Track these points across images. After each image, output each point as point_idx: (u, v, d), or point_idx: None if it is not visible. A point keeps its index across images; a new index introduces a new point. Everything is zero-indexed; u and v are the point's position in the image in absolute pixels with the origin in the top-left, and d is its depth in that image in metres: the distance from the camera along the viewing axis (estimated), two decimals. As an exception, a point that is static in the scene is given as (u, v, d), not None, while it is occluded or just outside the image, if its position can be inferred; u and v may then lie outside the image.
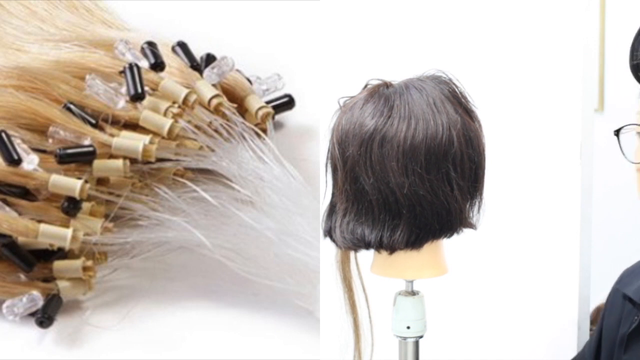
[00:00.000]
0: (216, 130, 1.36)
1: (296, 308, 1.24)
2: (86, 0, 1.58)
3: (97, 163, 1.33)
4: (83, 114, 1.36)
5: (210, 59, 1.46)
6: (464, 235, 1.16)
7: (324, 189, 1.24)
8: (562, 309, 1.76)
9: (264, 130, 1.39)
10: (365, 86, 1.19)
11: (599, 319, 1.42)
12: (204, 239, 1.27)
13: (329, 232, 1.21)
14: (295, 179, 1.30)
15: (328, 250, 1.25)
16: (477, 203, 1.16)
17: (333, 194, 1.20)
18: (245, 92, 1.45)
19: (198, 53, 1.47)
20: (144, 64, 1.40)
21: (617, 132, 1.21)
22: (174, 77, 1.41)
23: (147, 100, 1.37)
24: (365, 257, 1.23)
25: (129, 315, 1.30)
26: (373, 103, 1.14)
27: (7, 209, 1.30)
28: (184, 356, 1.26)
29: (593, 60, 1.79)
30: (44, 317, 1.27)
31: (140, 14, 1.58)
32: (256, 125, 1.40)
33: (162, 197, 1.33)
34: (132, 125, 1.37)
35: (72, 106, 1.36)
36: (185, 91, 1.38)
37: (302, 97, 1.51)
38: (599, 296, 2.12)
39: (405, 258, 1.16)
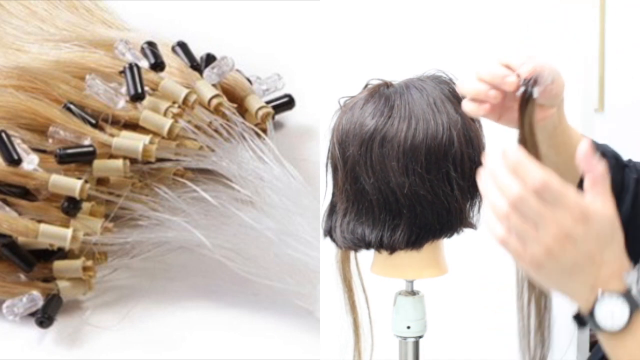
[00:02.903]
0: (216, 130, 1.36)
1: (296, 308, 1.24)
2: (86, 0, 1.58)
3: (97, 163, 1.33)
4: (83, 114, 1.36)
5: (210, 59, 1.46)
6: (464, 235, 1.16)
7: (324, 189, 1.24)
8: (562, 309, 1.76)
9: (264, 130, 1.39)
10: (366, 86, 1.19)
11: None
12: (204, 239, 1.27)
13: (329, 232, 1.21)
14: (295, 179, 1.30)
15: (328, 250, 1.25)
16: (477, 203, 1.16)
17: (333, 194, 1.20)
18: (245, 92, 1.45)
19: (198, 53, 1.47)
20: (144, 64, 1.40)
21: None
22: (174, 77, 1.41)
23: (147, 100, 1.37)
24: (365, 257, 1.23)
25: (129, 315, 1.29)
26: (373, 103, 1.14)
27: (7, 209, 1.29)
28: (184, 356, 1.26)
29: (593, 60, 1.80)
30: (44, 317, 1.27)
31: (140, 14, 1.58)
32: (256, 125, 1.40)
33: (162, 197, 1.33)
34: (132, 125, 1.37)
35: (72, 106, 1.36)
36: (185, 91, 1.38)
37: (302, 97, 1.51)
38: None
39: (405, 258, 1.16)
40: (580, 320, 0.91)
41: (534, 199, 0.85)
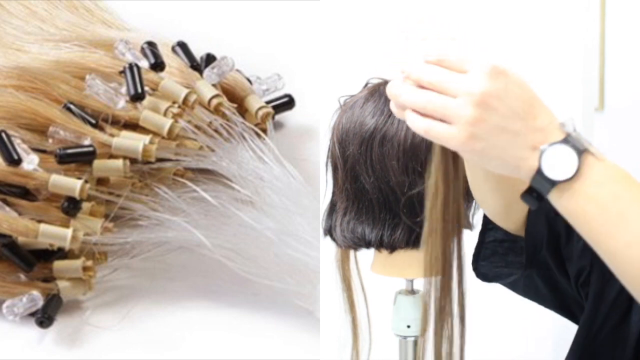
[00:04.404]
0: (216, 130, 1.36)
1: (296, 308, 1.24)
2: (86, 0, 1.58)
3: (97, 163, 1.33)
4: (83, 114, 1.36)
5: (210, 59, 1.46)
6: (464, 235, 1.16)
7: (324, 189, 1.24)
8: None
9: (264, 130, 1.39)
10: (366, 85, 1.19)
11: None
12: (204, 239, 1.27)
13: (329, 231, 1.21)
14: (295, 179, 1.30)
15: (328, 250, 1.25)
16: (474, 204, 1.16)
17: (333, 193, 1.20)
18: (245, 92, 1.45)
19: (198, 53, 1.47)
20: (144, 64, 1.40)
21: None
22: (174, 77, 1.41)
23: (147, 100, 1.37)
24: (365, 257, 1.23)
25: (129, 315, 1.29)
26: (373, 102, 1.14)
27: (7, 209, 1.29)
28: (184, 356, 1.26)
29: (593, 60, 1.80)
30: (44, 317, 1.27)
31: (140, 14, 1.58)
32: (256, 125, 1.40)
33: (162, 197, 1.33)
34: (132, 125, 1.37)
35: (72, 106, 1.36)
36: (185, 91, 1.38)
37: (302, 97, 1.51)
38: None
39: (405, 257, 1.16)
40: (532, 193, 0.85)
41: (435, 68, 0.82)
